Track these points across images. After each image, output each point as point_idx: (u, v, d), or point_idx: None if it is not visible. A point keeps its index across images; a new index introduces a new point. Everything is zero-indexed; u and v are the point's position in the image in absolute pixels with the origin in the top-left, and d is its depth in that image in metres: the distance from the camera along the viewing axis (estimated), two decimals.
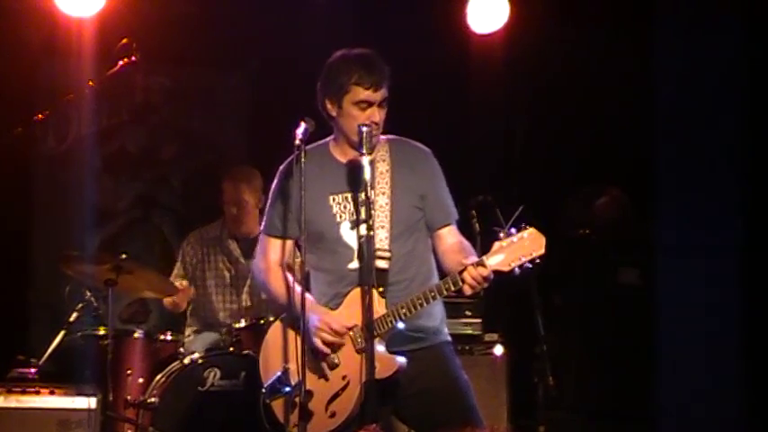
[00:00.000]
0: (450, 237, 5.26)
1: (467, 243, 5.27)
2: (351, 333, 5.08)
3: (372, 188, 5.07)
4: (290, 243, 5.26)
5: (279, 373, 5.15)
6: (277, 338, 5.23)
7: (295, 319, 5.08)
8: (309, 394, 5.04)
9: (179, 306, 7.43)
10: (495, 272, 4.93)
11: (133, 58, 6.79)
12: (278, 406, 5.16)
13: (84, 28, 7.78)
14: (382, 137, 5.25)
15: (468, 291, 4.98)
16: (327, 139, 5.26)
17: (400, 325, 5.03)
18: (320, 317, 5.05)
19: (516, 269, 4.94)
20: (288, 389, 5.09)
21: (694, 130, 7.93)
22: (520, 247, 4.91)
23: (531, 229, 4.94)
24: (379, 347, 5.01)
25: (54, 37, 8.04)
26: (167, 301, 7.43)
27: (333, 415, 5.06)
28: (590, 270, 8.56)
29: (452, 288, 5.00)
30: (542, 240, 4.92)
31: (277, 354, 5.20)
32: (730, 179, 7.84)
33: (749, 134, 7.80)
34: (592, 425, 8.27)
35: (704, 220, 7.86)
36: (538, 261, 4.93)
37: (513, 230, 4.94)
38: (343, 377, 5.07)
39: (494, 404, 7.22)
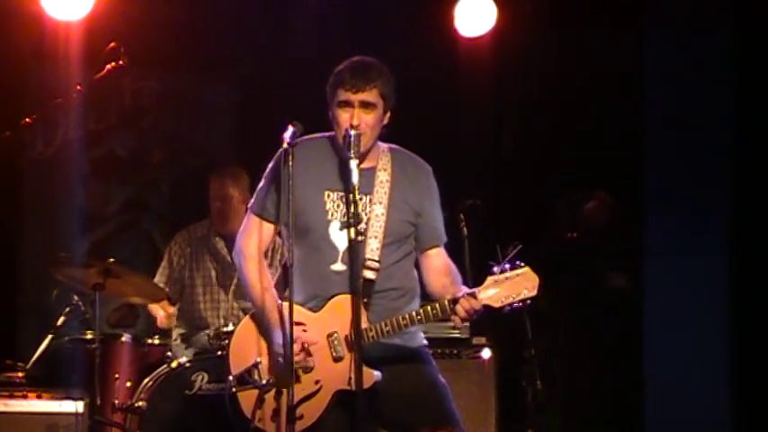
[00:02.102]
0: (437, 258, 5.26)
1: (454, 267, 5.26)
2: (329, 339, 5.07)
3: (369, 194, 5.10)
4: (276, 228, 5.21)
5: (249, 366, 5.13)
6: (250, 331, 5.19)
7: (268, 321, 5.10)
8: (280, 393, 5.03)
9: (170, 323, 7.43)
10: (485, 306, 4.95)
11: (121, 62, 6.77)
12: (245, 398, 5.12)
13: (71, 32, 7.79)
14: (384, 145, 5.24)
15: (458, 323, 5.01)
16: (333, 132, 5.22)
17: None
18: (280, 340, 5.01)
19: (506, 307, 4.95)
20: (257, 382, 5.07)
21: (683, 134, 7.96)
22: (513, 285, 4.93)
23: (526, 268, 4.95)
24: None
25: (42, 41, 8.03)
26: (161, 322, 7.40)
27: (301, 417, 5.02)
28: (578, 274, 8.56)
29: (440, 315, 5.01)
30: (536, 281, 4.94)
31: (249, 346, 5.16)
32: (719, 183, 7.87)
33: (738, 137, 7.82)
34: (580, 429, 8.28)
35: (692, 223, 7.88)
36: (528, 302, 4.95)
37: (507, 266, 4.94)
38: (316, 382, 5.05)
39: (482, 408, 7.22)
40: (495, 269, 4.95)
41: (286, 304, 4.98)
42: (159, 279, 7.56)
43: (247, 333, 5.21)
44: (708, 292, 7.83)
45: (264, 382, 5.08)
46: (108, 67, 6.79)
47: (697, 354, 7.82)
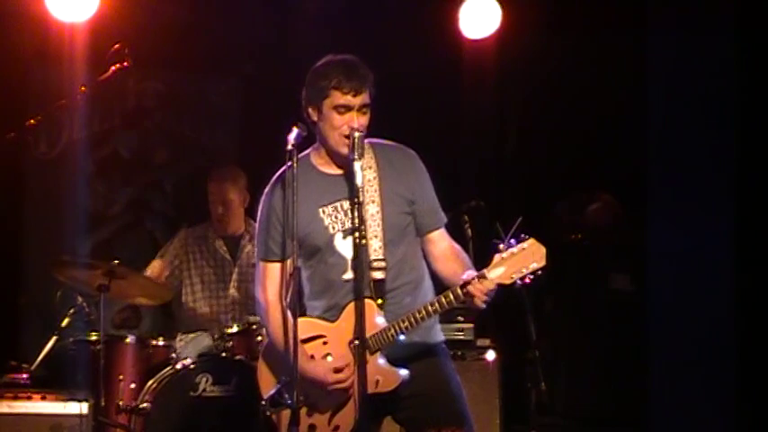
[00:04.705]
0: (441, 241, 5.23)
1: (459, 248, 5.24)
2: (350, 347, 5.05)
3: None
4: (289, 263, 5.14)
5: (279, 386, 5.11)
6: (273, 353, 5.19)
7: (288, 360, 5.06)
8: (312, 409, 5.05)
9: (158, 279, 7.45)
10: (497, 285, 4.91)
11: (125, 64, 6.77)
12: (279, 419, 5.12)
13: (76, 33, 7.78)
14: (365, 141, 5.23)
15: (479, 305, 4.94)
16: (307, 151, 5.19)
17: (401, 337, 5.01)
18: (317, 376, 5.02)
19: (518, 281, 4.90)
20: (289, 402, 5.01)
21: (686, 136, 7.95)
22: (520, 259, 4.87)
23: (532, 240, 4.88)
24: (381, 360, 5.01)
25: (46, 42, 8.03)
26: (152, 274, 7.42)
27: (336, 428, 5.06)
28: (581, 275, 8.56)
29: (454, 302, 4.97)
30: (543, 251, 4.87)
31: (276, 365, 5.18)
32: (722, 185, 7.85)
33: (741, 140, 7.82)
34: (584, 430, 8.28)
35: (696, 225, 7.87)
36: (539, 272, 4.89)
37: (513, 242, 4.88)
38: (346, 390, 5.05)
39: (486, 409, 7.21)
40: (501, 246, 4.90)
41: (300, 319, 4.99)
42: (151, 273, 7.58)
43: (271, 356, 5.22)
44: (712, 293, 7.82)
45: (295, 400, 5.05)
46: (112, 68, 6.79)
47: (701, 355, 7.81)
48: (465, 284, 4.92)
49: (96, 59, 7.20)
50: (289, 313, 5.10)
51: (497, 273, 4.89)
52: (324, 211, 5.14)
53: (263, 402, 5.17)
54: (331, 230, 5.12)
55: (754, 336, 7.73)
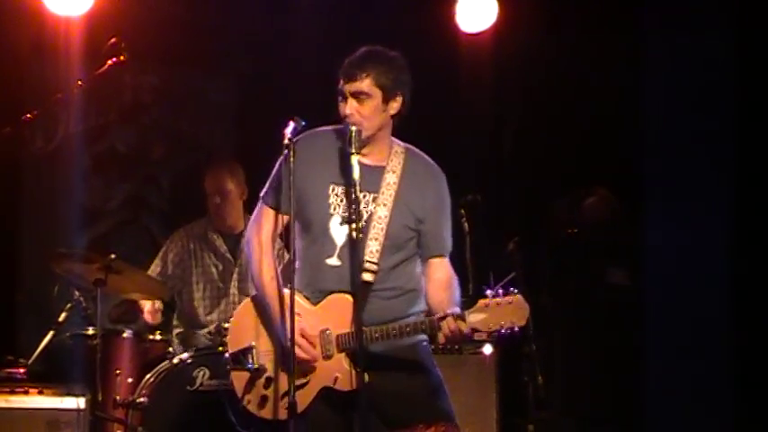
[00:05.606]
0: (439, 269, 5.23)
1: (455, 282, 5.23)
2: (321, 335, 5.06)
3: (374, 193, 5.08)
4: (285, 218, 5.14)
5: (244, 347, 5.15)
6: (250, 313, 5.21)
7: (271, 311, 5.11)
8: (269, 380, 5.09)
9: (155, 319, 7.42)
10: (472, 329, 4.94)
11: (122, 58, 6.78)
12: (237, 378, 5.17)
13: (72, 27, 7.78)
14: (402, 144, 5.22)
15: (441, 340, 5.01)
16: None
17: (370, 347, 5.03)
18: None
19: (494, 333, 4.96)
20: (250, 365, 5.11)
21: (682, 132, 7.96)
22: (503, 312, 4.90)
23: (518, 297, 4.92)
24: (345, 360, 5.03)
25: (42, 36, 8.02)
26: (146, 316, 7.39)
27: (285, 407, 5.03)
28: (578, 270, 8.56)
29: (427, 330, 5.02)
30: (526, 311, 4.92)
31: (247, 327, 5.19)
32: (718, 180, 7.87)
33: (737, 136, 7.83)
34: (581, 425, 8.28)
35: (692, 221, 7.88)
36: (516, 330, 4.94)
37: (500, 292, 4.92)
38: (305, 374, 5.06)
39: (483, 403, 7.21)
40: (488, 293, 4.93)
41: (286, 291, 5.01)
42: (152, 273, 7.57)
43: (247, 315, 5.23)
44: (709, 289, 7.83)
45: (256, 366, 5.11)
46: (108, 62, 6.79)
47: (698, 351, 7.82)
48: (442, 318, 4.95)
49: (93, 54, 7.21)
50: (275, 261, 5.19)
51: (476, 318, 4.92)
52: (333, 189, 5.11)
53: (227, 356, 5.21)
54: (331, 211, 5.10)
55: (752, 332, 7.74)
